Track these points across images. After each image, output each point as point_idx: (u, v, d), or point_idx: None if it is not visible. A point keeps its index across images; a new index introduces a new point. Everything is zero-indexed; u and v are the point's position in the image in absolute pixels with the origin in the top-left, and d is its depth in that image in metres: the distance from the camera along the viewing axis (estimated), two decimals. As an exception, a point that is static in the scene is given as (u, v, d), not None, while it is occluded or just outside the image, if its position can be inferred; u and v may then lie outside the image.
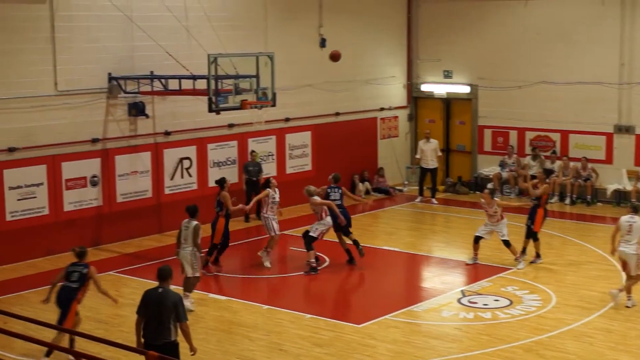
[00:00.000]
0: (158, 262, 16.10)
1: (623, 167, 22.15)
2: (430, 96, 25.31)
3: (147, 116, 18.58)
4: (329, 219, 16.23)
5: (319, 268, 16.23)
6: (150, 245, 18.26)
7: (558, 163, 22.79)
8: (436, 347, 12.38)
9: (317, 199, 16.12)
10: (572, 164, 22.57)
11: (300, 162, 22.39)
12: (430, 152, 22.66)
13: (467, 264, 16.54)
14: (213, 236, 16.28)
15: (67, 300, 11.55)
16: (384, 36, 24.64)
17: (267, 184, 16.56)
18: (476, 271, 16.32)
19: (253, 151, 20.88)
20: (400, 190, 24.28)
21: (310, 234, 16.15)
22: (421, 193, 22.82)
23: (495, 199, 16.65)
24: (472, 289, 15.14)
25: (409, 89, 25.51)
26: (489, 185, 20.78)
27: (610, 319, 13.50)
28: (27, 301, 14.46)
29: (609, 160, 22.46)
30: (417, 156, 22.99)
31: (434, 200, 22.55)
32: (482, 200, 16.70)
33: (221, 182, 16.36)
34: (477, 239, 16.67)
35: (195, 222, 14.11)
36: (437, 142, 22.93)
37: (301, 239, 16.55)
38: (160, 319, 9.60)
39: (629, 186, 21.74)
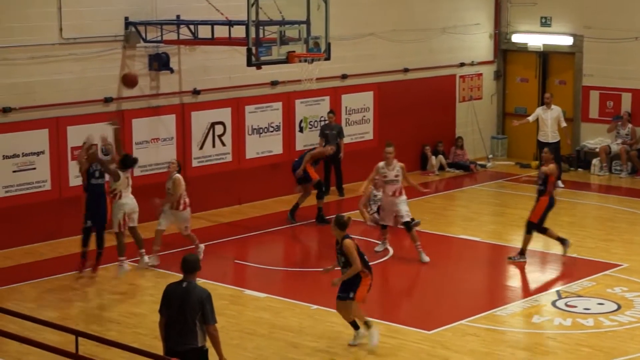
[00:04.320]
0: (183, 250, 16.24)
1: None
2: (523, 49, 25.17)
3: (171, 71, 18.72)
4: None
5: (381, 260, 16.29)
6: (174, 229, 18.37)
7: (683, 134, 22.59)
8: (524, 361, 12.39)
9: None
10: (700, 135, 22.34)
11: (359, 129, 22.40)
12: (551, 121, 22.23)
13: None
14: None
15: None
16: (465, -27, 24.53)
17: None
18: (576, 268, 16.21)
19: (331, 111, 20.98)
20: (483, 166, 24.19)
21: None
22: None
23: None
24: (571, 289, 15.07)
25: (497, 40, 25.38)
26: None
27: None
28: (24, 295, 14.69)
29: None
30: (530, 119, 22.61)
31: (559, 182, 22.10)
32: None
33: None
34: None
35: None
36: (560, 109, 22.48)
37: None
38: (184, 320, 9.61)
39: None
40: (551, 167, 16.57)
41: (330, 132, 20.62)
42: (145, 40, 18.17)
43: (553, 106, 22.36)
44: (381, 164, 16.56)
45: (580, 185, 22.46)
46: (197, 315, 9.59)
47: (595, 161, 23.63)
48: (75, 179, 17.57)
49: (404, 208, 16.42)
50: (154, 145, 18.79)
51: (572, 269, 16.22)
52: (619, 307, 14.20)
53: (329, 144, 20.23)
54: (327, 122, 21.05)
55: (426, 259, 16.32)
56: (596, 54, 23.93)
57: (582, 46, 24.13)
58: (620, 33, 23.37)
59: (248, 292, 15.00)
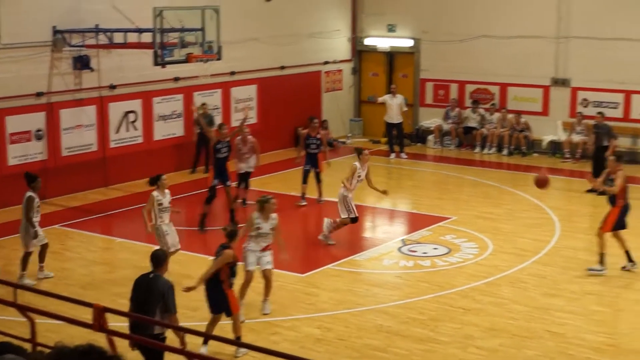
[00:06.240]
0: (103, 216, 16.14)
1: (558, 118, 22.61)
2: (373, 50, 25.39)
3: (92, 70, 18.43)
4: None
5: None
6: (96, 199, 18.23)
7: (497, 115, 23.18)
8: (377, 295, 12.65)
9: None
10: (509, 116, 22.96)
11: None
12: (396, 107, 22.66)
13: None
14: None
15: None
16: (328, -10, 24.63)
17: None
18: (416, 221, 16.63)
19: (204, 104, 20.83)
20: (344, 143, 24.48)
21: None
22: (392, 149, 22.81)
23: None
24: (413, 238, 15.42)
25: (353, 43, 25.57)
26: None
27: (544, 265, 13.91)
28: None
29: (545, 112, 22.89)
30: (380, 100, 22.98)
31: (403, 154, 22.63)
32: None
33: None
34: None
35: (28, 193, 12.83)
36: (402, 97, 22.95)
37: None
38: (147, 308, 8.77)
39: (563, 137, 22.25)
40: (322, 133, 17.61)
41: (206, 120, 19.83)
42: (70, 45, 17.84)
43: (397, 95, 22.82)
44: (357, 164, 14.89)
45: (419, 156, 22.91)
46: (158, 305, 8.82)
47: (430, 137, 24.12)
48: (12, 159, 17.27)
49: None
50: (78, 130, 18.52)
51: (414, 222, 16.63)
52: (449, 250, 14.60)
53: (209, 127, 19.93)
54: (202, 112, 20.61)
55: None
56: (431, 53, 24.32)
57: (420, 47, 24.53)
58: (449, 36, 23.80)
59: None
